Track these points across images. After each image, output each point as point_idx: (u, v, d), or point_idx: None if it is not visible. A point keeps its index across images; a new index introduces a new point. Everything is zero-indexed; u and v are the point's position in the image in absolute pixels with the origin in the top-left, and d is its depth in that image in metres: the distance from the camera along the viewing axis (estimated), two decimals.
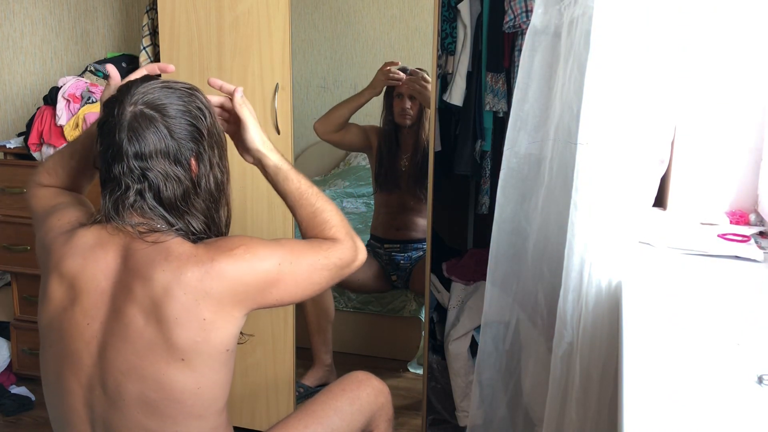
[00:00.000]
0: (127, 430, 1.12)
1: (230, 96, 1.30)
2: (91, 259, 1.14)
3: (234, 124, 1.32)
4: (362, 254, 1.31)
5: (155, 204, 1.13)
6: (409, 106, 2.49)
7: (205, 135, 1.17)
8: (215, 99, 1.30)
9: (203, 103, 1.19)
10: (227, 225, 1.27)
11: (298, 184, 1.29)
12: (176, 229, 1.15)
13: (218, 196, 1.22)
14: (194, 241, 1.16)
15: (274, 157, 1.29)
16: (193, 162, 1.16)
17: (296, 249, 1.20)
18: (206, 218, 1.19)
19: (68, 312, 1.14)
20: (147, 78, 1.20)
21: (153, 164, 1.11)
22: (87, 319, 1.13)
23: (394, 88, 2.51)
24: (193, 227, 1.17)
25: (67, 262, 1.15)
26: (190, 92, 1.18)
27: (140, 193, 1.12)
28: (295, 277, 1.18)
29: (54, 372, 1.17)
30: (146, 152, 1.11)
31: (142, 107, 1.11)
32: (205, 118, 1.17)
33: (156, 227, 1.14)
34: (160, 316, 1.08)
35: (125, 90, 1.14)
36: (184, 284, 1.08)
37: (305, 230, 1.30)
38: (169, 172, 1.12)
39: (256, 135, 1.28)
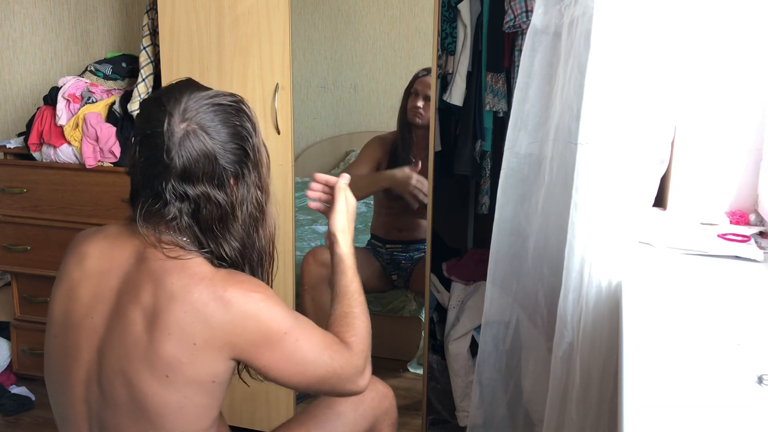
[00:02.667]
0: (117, 429, 1.12)
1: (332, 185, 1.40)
2: (107, 254, 1.15)
3: (329, 203, 1.39)
4: (363, 382, 1.23)
5: (191, 223, 1.12)
6: (422, 106, 2.45)
7: (250, 156, 1.15)
8: (323, 177, 1.40)
9: (250, 119, 1.17)
10: (269, 253, 1.25)
11: (350, 282, 1.33)
12: (203, 251, 1.13)
13: (260, 216, 1.20)
14: (218, 266, 1.14)
15: (344, 248, 1.35)
16: (232, 183, 1.14)
17: (308, 331, 1.16)
18: (242, 241, 1.17)
19: (76, 302, 1.14)
20: (193, 85, 1.15)
21: (197, 187, 1.10)
22: (92, 312, 1.13)
23: (411, 86, 2.49)
24: (225, 251, 1.15)
25: (89, 247, 1.17)
26: (238, 108, 1.15)
27: (179, 212, 1.11)
28: (293, 354, 1.13)
29: (58, 365, 1.17)
30: (193, 174, 1.09)
31: (194, 127, 1.09)
32: (251, 137, 1.15)
33: (181, 244, 1.12)
34: (155, 325, 1.07)
35: (173, 100, 1.10)
36: (188, 302, 1.07)
37: (330, 324, 1.28)
38: (211, 196, 1.11)
39: (340, 221, 1.35)
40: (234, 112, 1.14)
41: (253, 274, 1.21)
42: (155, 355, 1.07)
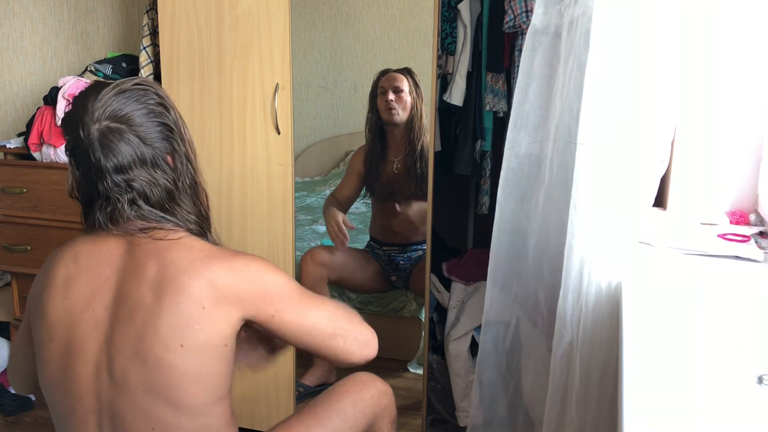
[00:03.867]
0: (132, 417, 1.12)
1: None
2: (94, 252, 1.17)
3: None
4: (367, 351, 1.28)
5: (150, 209, 1.17)
6: (394, 98, 2.47)
7: (174, 129, 1.20)
8: None
9: (161, 96, 1.20)
10: (208, 208, 1.30)
11: None
12: (184, 227, 1.19)
13: (196, 185, 1.25)
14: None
15: None
16: (169, 160, 1.19)
17: (311, 292, 1.24)
18: (194, 211, 1.23)
19: (71, 302, 1.16)
20: (97, 86, 1.18)
21: (135, 174, 1.14)
22: (91, 305, 1.14)
23: (377, 88, 2.52)
24: (186, 221, 1.21)
25: (77, 248, 1.19)
26: (144, 88, 1.18)
27: (133, 202, 1.15)
28: (299, 305, 1.20)
29: (60, 365, 1.16)
30: (125, 164, 1.13)
31: (106, 122, 1.12)
32: (168, 112, 1.19)
33: (158, 227, 1.17)
34: (163, 296, 1.11)
35: (81, 108, 1.14)
36: (192, 270, 1.12)
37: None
38: (151, 178, 1.16)
39: None
40: (141, 93, 1.17)
41: (205, 233, 1.26)
42: (167, 325, 1.10)
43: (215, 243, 1.25)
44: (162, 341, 1.10)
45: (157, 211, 1.17)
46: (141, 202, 1.16)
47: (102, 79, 1.23)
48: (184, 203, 1.21)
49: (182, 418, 1.13)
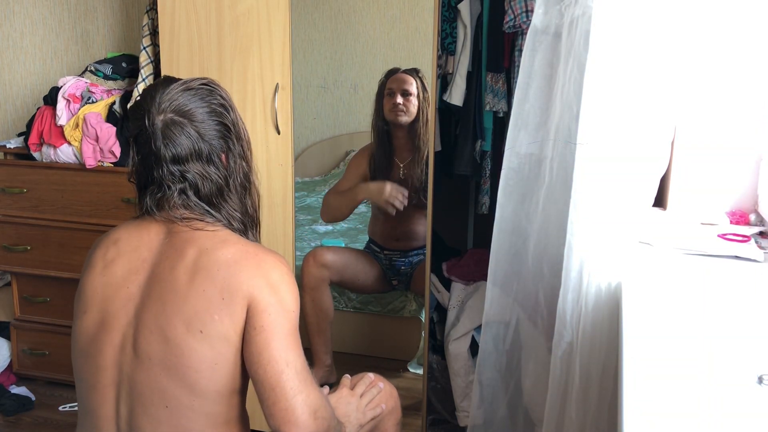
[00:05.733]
0: (149, 392, 1.16)
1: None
2: (135, 235, 1.24)
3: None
4: (296, 428, 1.13)
5: (198, 201, 1.23)
6: (402, 101, 2.44)
7: (232, 130, 1.26)
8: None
9: (224, 98, 1.27)
10: (257, 208, 1.36)
11: None
12: (222, 222, 1.25)
13: (248, 184, 1.31)
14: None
15: None
16: (223, 158, 1.26)
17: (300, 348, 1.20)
18: (241, 209, 1.29)
19: (108, 279, 1.22)
20: (167, 80, 1.26)
21: (190, 166, 1.21)
22: (127, 283, 1.21)
23: (384, 87, 2.48)
24: (231, 219, 1.26)
25: (119, 234, 1.27)
26: (210, 89, 1.25)
27: (183, 192, 1.22)
28: (284, 332, 1.16)
29: (90, 336, 1.22)
30: (182, 156, 1.21)
31: (171, 115, 1.20)
32: (229, 113, 1.26)
33: (199, 219, 1.23)
34: (193, 281, 1.16)
35: (149, 99, 1.21)
36: (222, 260, 1.17)
37: None
38: (204, 172, 1.22)
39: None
40: (207, 93, 1.24)
41: (246, 232, 1.31)
42: (192, 309, 1.15)
43: (254, 241, 1.30)
44: (185, 323, 1.14)
45: (203, 204, 1.23)
46: (190, 193, 1.22)
47: (167, 78, 1.31)
48: (232, 200, 1.27)
49: (195, 402, 1.16)
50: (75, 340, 1.25)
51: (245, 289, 1.15)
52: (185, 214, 1.22)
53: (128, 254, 1.23)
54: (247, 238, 1.29)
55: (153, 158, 1.21)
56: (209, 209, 1.24)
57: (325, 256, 2.51)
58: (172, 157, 1.20)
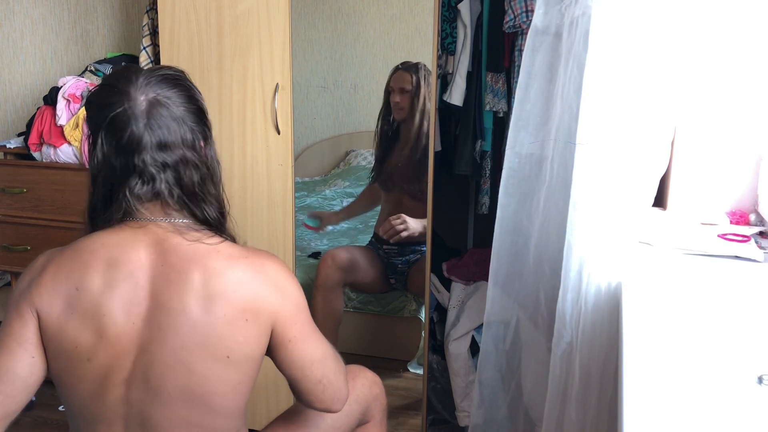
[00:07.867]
0: (167, 422, 1.11)
1: None
2: (122, 258, 1.09)
3: None
4: (341, 405, 1.28)
5: (180, 194, 1.12)
6: (399, 100, 2.50)
7: (207, 117, 1.18)
8: None
9: (194, 86, 1.19)
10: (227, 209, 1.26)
11: None
12: (217, 232, 1.16)
13: (220, 174, 1.21)
14: (224, 239, 1.17)
15: None
16: (202, 144, 1.16)
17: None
18: (218, 202, 1.19)
19: (110, 317, 1.08)
20: (132, 66, 1.19)
21: (176, 153, 1.10)
22: (130, 317, 1.08)
23: (390, 84, 2.54)
24: (209, 213, 1.16)
25: (88, 272, 1.09)
26: (183, 77, 1.17)
27: (166, 183, 1.10)
28: (309, 330, 1.20)
29: (98, 381, 1.10)
30: (169, 141, 1.09)
31: (153, 96, 1.08)
32: (202, 101, 1.18)
33: (192, 227, 1.13)
34: (212, 309, 1.07)
35: (123, 80, 1.09)
36: (236, 280, 1.09)
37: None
38: (188, 159, 1.11)
39: None
40: (181, 81, 1.15)
41: (223, 229, 1.21)
42: (216, 337, 1.07)
43: (233, 238, 1.20)
44: (210, 353, 1.08)
45: (184, 198, 1.12)
46: (174, 185, 1.11)
47: (131, 65, 1.24)
48: (211, 190, 1.17)
49: (217, 421, 1.14)
50: (74, 386, 1.11)
51: (266, 307, 1.11)
52: (174, 215, 1.12)
53: (122, 283, 1.07)
54: (225, 232, 1.19)
55: (134, 143, 1.06)
56: (188, 203, 1.13)
57: (343, 259, 2.53)
58: (158, 142, 1.07)
